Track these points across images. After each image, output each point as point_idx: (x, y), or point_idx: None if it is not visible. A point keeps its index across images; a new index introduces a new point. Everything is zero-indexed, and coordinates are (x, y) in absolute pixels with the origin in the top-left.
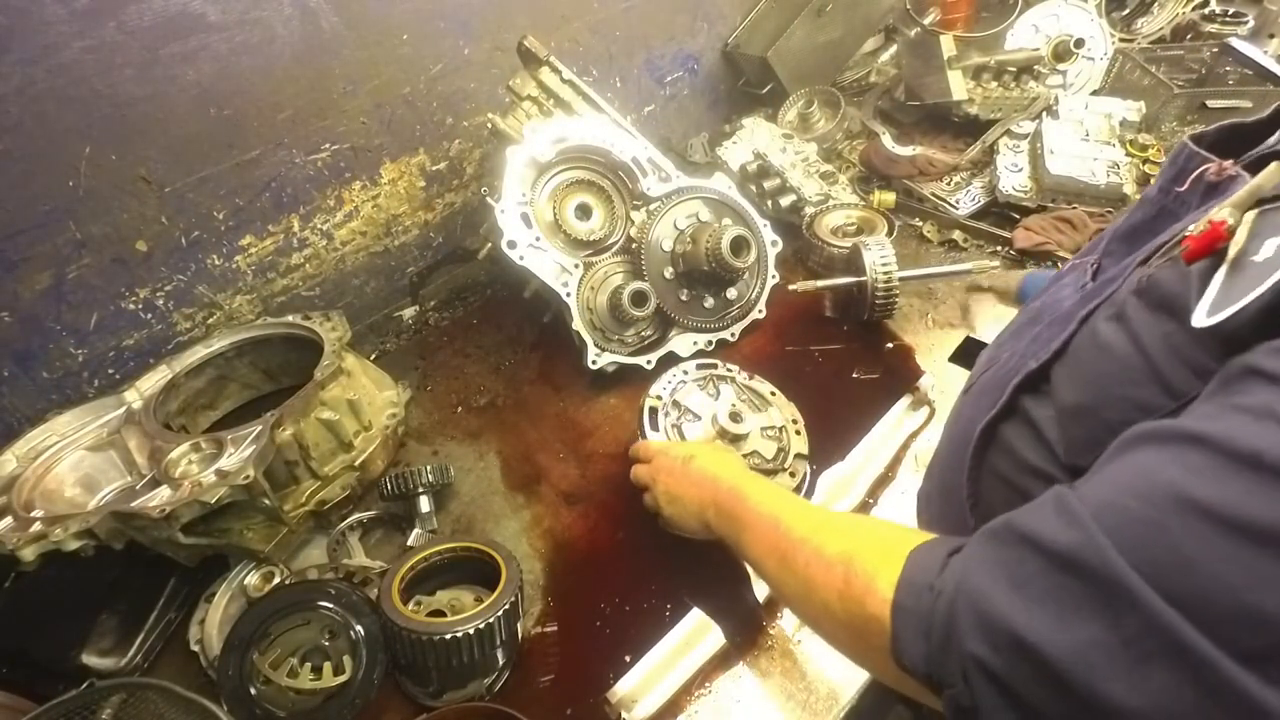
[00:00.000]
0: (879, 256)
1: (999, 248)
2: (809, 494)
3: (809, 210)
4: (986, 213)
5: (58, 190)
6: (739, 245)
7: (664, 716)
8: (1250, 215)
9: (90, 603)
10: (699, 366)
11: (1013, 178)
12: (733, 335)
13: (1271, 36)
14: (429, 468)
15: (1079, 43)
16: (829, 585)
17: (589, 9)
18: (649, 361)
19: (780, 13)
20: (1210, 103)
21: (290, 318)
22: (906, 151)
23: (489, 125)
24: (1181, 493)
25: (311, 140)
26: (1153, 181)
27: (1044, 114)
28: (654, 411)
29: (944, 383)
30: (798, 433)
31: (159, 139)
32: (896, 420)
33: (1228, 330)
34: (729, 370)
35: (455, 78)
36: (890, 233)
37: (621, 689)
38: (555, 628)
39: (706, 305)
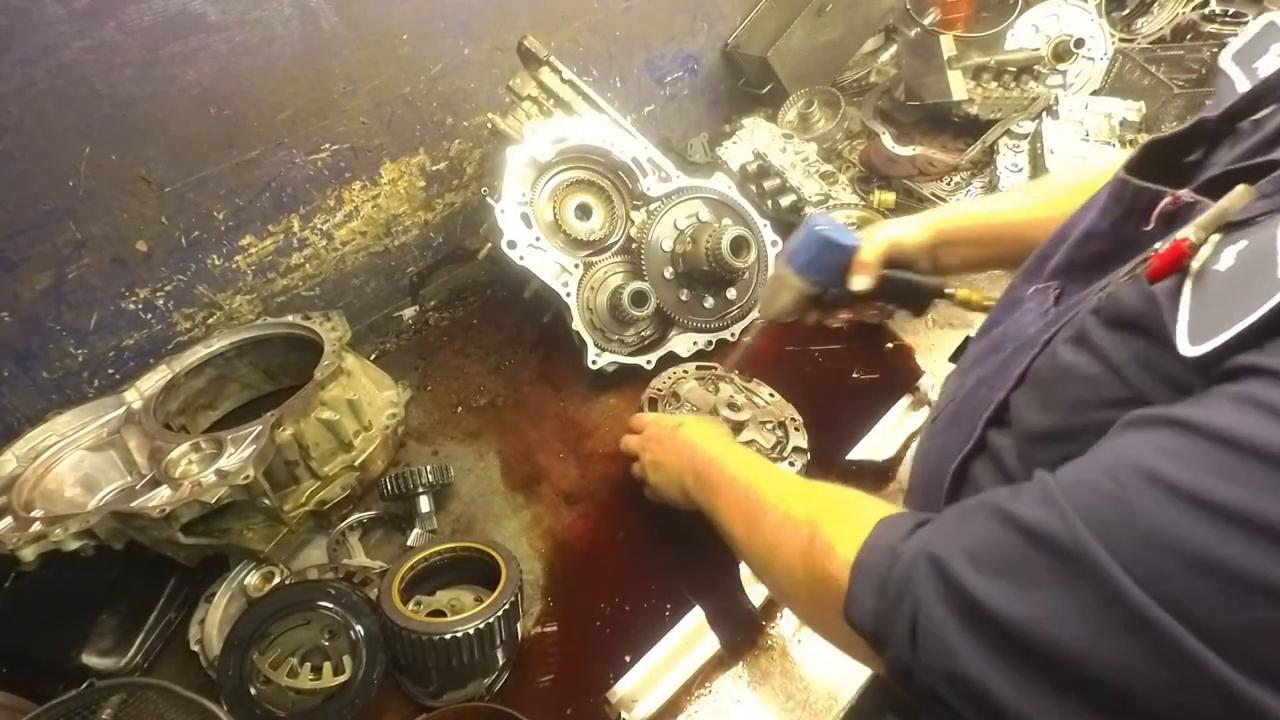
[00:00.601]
0: None
1: None
2: None
3: (809, 210)
4: None
5: (58, 190)
6: (739, 245)
7: (664, 716)
8: (1216, 238)
9: (90, 603)
10: (699, 368)
11: (1013, 178)
12: (733, 335)
13: None
14: (429, 468)
15: (1079, 43)
16: (793, 545)
17: (589, 9)
18: (649, 361)
19: (780, 13)
20: (1210, 103)
21: (290, 318)
22: (906, 151)
23: (489, 125)
24: (1151, 470)
25: (311, 140)
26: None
27: (1044, 114)
28: (653, 401)
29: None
30: (796, 430)
31: (159, 139)
32: (896, 420)
33: (1215, 353)
34: (729, 376)
35: (455, 78)
36: None
37: (621, 689)
38: (555, 628)
39: (706, 305)
